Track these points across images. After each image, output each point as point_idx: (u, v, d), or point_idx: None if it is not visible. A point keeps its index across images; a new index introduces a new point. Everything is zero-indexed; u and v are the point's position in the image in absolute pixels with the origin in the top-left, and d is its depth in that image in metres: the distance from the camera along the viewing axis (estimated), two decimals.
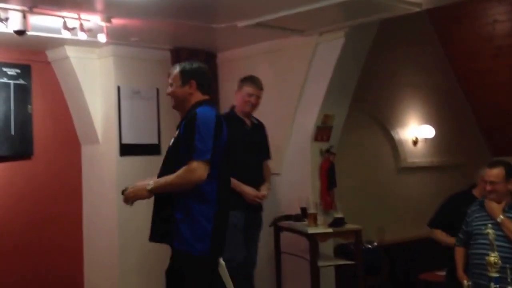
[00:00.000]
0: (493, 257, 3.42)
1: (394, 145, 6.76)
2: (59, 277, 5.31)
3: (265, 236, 4.80)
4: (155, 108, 5.39)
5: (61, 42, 4.94)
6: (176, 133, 3.30)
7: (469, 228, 4.00)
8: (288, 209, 5.03)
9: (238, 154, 4.37)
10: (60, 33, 4.20)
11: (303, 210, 4.83)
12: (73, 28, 4.18)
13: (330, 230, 4.63)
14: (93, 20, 4.22)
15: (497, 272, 3.41)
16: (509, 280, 3.32)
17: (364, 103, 6.08)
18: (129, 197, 3.28)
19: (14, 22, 3.95)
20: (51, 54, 5.29)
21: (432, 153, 7.20)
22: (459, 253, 4.09)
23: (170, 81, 3.39)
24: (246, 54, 5.51)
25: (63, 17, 4.12)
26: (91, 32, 4.27)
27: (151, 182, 3.21)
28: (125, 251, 5.16)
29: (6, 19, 3.94)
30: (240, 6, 4.17)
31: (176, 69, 3.38)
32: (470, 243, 3.98)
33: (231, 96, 5.21)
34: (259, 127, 4.73)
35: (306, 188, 5.08)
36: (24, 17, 3.94)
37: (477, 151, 7.64)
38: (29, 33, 4.06)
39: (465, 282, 3.74)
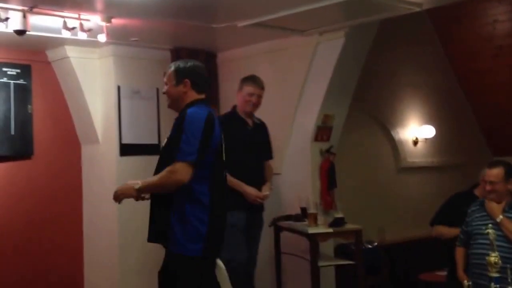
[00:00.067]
0: (493, 257, 3.42)
1: (394, 145, 6.76)
2: (59, 277, 5.31)
3: (265, 236, 4.79)
4: (155, 108, 5.39)
5: (61, 42, 4.94)
6: (169, 133, 3.30)
7: (469, 228, 4.00)
8: (288, 209, 5.03)
9: (239, 154, 4.38)
10: (60, 33, 4.20)
11: (303, 210, 4.83)
12: (73, 28, 4.18)
13: (330, 230, 4.63)
14: (93, 20, 4.22)
15: (497, 272, 3.41)
16: (509, 280, 3.32)
17: (364, 103, 6.08)
18: (117, 195, 3.28)
19: (14, 22, 3.95)
20: (51, 54, 5.29)
21: (432, 153, 7.20)
22: (459, 253, 4.09)
23: (165, 80, 3.38)
24: (246, 54, 5.51)
25: (63, 17, 4.12)
26: (91, 32, 4.26)
27: (139, 181, 3.20)
28: (125, 251, 5.16)
29: (6, 19, 3.94)
30: (240, 6, 4.17)
31: (171, 68, 3.37)
32: (470, 243, 3.98)
33: (231, 96, 5.22)
34: (261, 127, 4.72)
35: (306, 188, 5.08)
36: (24, 17, 3.94)
37: (477, 151, 7.63)
38: (29, 33, 4.06)
39: (465, 282, 3.74)
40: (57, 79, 5.39)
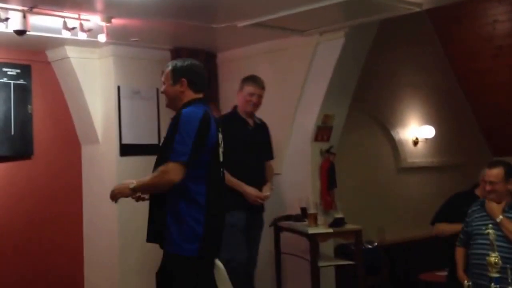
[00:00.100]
0: (493, 257, 3.42)
1: (394, 145, 6.76)
2: (59, 277, 5.31)
3: (265, 236, 4.79)
4: (155, 108, 5.39)
5: (61, 42, 4.94)
6: (166, 132, 3.29)
7: (469, 228, 4.00)
8: (288, 209, 5.04)
9: (240, 154, 4.38)
10: (60, 33, 4.20)
11: (303, 210, 4.83)
12: (73, 28, 4.17)
13: (330, 230, 4.63)
14: (93, 20, 4.22)
15: (497, 272, 3.41)
16: (509, 280, 3.32)
17: (364, 103, 6.08)
18: (114, 195, 3.28)
19: (14, 22, 3.95)
20: (51, 54, 5.29)
21: (432, 153, 7.20)
22: (459, 253, 4.09)
23: (162, 79, 3.37)
24: (246, 54, 5.51)
25: (63, 17, 4.11)
26: (91, 32, 4.26)
27: (134, 181, 3.20)
28: (125, 251, 5.16)
29: (6, 19, 3.94)
30: (240, 6, 4.17)
31: (169, 67, 3.35)
32: (470, 243, 3.98)
33: (231, 96, 5.22)
34: (262, 127, 4.72)
35: (306, 188, 5.08)
36: (24, 17, 3.94)
37: (477, 151, 7.64)
38: (29, 33, 4.06)
39: (466, 283, 3.74)
40: (57, 79, 5.39)
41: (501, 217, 3.80)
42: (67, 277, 5.38)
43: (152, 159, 3.30)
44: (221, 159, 3.31)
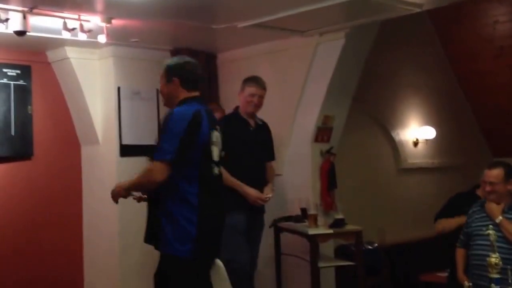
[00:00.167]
0: (493, 258, 3.41)
1: (395, 146, 6.75)
2: (59, 278, 5.30)
3: (265, 237, 4.79)
4: (155, 109, 5.39)
5: (61, 43, 4.94)
6: None
7: (469, 229, 3.99)
8: (289, 210, 5.03)
9: (241, 155, 4.39)
10: (60, 33, 4.20)
11: (303, 211, 4.83)
12: (73, 29, 4.18)
13: (330, 231, 4.62)
14: (93, 20, 4.22)
15: (497, 273, 3.40)
16: (509, 281, 3.32)
17: (364, 104, 6.07)
18: (113, 195, 3.29)
19: (14, 23, 3.95)
20: (51, 55, 5.29)
21: (432, 154, 7.20)
22: (460, 254, 4.08)
23: (160, 78, 3.37)
24: (246, 55, 5.51)
25: (63, 17, 4.11)
26: (91, 32, 4.27)
27: (127, 181, 3.21)
28: (126, 253, 5.15)
29: (6, 20, 3.94)
30: (240, 7, 4.17)
31: (164, 66, 3.35)
32: (469, 244, 3.97)
33: (231, 97, 5.22)
34: (263, 128, 4.73)
35: (307, 189, 5.07)
36: (24, 17, 3.94)
37: (477, 152, 7.63)
38: (29, 33, 4.06)
39: (466, 283, 3.74)
40: (57, 80, 5.39)
41: (500, 218, 3.80)
42: (67, 278, 5.38)
43: None
44: (215, 158, 3.26)
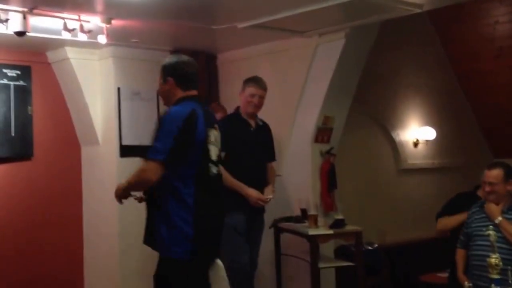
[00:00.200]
0: (494, 259, 3.42)
1: (395, 147, 6.74)
2: (59, 279, 5.30)
3: (266, 237, 4.79)
4: (155, 109, 5.38)
5: (61, 43, 4.94)
6: None
7: (468, 229, 3.99)
8: (289, 211, 5.03)
9: (241, 155, 4.39)
10: (60, 34, 4.20)
11: (304, 211, 4.82)
12: (73, 29, 4.18)
13: (330, 231, 4.62)
14: (93, 21, 4.22)
15: (498, 273, 3.40)
16: (510, 282, 3.32)
17: (364, 104, 6.07)
18: (115, 196, 3.27)
19: (15, 23, 3.95)
20: (51, 55, 5.29)
21: (433, 154, 7.19)
22: (460, 254, 4.08)
23: (158, 78, 3.37)
24: (246, 55, 5.51)
25: (63, 18, 4.12)
26: (91, 33, 4.27)
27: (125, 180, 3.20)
28: (126, 253, 5.15)
29: (6, 20, 3.94)
30: (240, 7, 4.16)
31: (161, 66, 3.35)
32: (469, 245, 3.97)
33: (231, 97, 5.22)
34: (264, 128, 4.72)
35: (307, 190, 5.07)
36: (24, 18, 3.94)
37: (478, 152, 7.62)
38: (29, 34, 4.06)
39: (466, 284, 3.74)
40: (57, 80, 5.39)
41: (500, 218, 3.79)
42: (67, 278, 5.38)
43: None
44: (213, 157, 3.22)
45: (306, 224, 4.72)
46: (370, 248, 5.83)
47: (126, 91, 5.24)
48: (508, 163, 4.01)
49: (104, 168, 5.27)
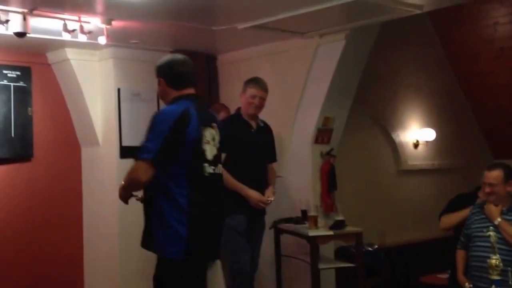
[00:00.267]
0: (494, 260, 3.42)
1: (395, 148, 6.74)
2: (59, 279, 5.30)
3: (266, 238, 4.78)
4: (156, 110, 5.38)
5: (61, 44, 4.94)
6: None
7: (468, 230, 3.99)
8: (289, 212, 5.02)
9: (242, 156, 4.39)
10: (60, 35, 4.20)
11: (304, 212, 4.82)
12: (73, 30, 4.17)
13: (330, 232, 4.62)
14: (93, 22, 4.22)
15: (498, 275, 3.40)
16: (510, 283, 3.32)
17: (365, 105, 6.07)
18: (119, 197, 3.27)
19: (15, 24, 3.95)
20: (51, 56, 5.29)
21: (433, 155, 7.19)
22: (460, 255, 4.08)
23: None
24: (246, 56, 5.51)
25: (63, 19, 4.11)
26: (91, 34, 4.26)
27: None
28: (126, 255, 5.14)
29: (7, 21, 3.94)
30: (240, 8, 4.16)
31: None
32: (469, 246, 3.97)
33: (231, 98, 5.22)
34: (265, 130, 4.72)
35: (307, 191, 5.07)
36: (25, 19, 3.94)
37: (478, 153, 7.62)
38: (29, 35, 4.06)
39: (466, 285, 3.75)
40: (57, 81, 5.39)
41: (499, 219, 3.79)
42: (67, 279, 5.37)
43: None
44: (208, 157, 3.18)
45: (306, 225, 4.72)
46: (370, 249, 5.83)
47: (126, 92, 5.24)
48: (509, 164, 4.01)
49: (104, 169, 5.27)
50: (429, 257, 5.69)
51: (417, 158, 7.00)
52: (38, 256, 5.20)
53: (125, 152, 5.18)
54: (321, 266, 4.63)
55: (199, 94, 3.35)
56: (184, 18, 4.33)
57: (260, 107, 4.58)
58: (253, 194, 4.43)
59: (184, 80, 3.25)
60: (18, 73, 5.09)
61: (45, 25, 4.22)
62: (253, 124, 4.62)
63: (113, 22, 4.27)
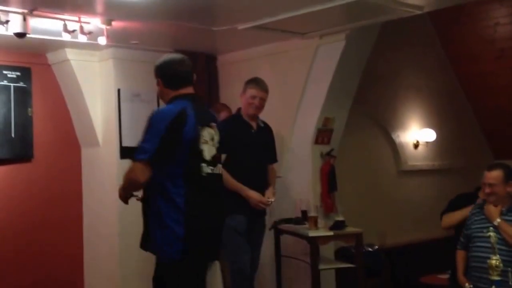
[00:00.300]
0: (494, 260, 3.41)
1: (395, 148, 6.74)
2: (59, 280, 5.29)
3: (266, 239, 4.78)
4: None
5: (62, 45, 4.93)
6: None
7: (468, 231, 3.99)
8: (289, 212, 5.02)
9: (242, 157, 4.39)
10: (60, 35, 4.20)
11: (304, 213, 4.82)
12: (74, 31, 4.17)
13: (330, 233, 4.61)
14: (94, 22, 4.22)
15: (498, 275, 3.40)
16: (510, 283, 3.31)
17: (365, 105, 6.07)
18: (119, 198, 3.26)
19: (15, 25, 3.95)
20: (51, 57, 5.29)
21: (433, 156, 7.19)
22: (460, 256, 4.08)
23: None
24: (246, 57, 5.51)
25: (63, 19, 4.11)
26: (92, 34, 4.27)
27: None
28: (126, 255, 5.14)
29: (7, 22, 3.94)
30: (240, 9, 4.16)
31: None
32: (469, 246, 3.97)
33: (231, 99, 5.22)
34: (265, 130, 4.72)
35: (307, 191, 5.07)
36: (25, 19, 3.94)
37: (478, 154, 7.62)
38: (29, 35, 4.06)
39: (467, 286, 3.74)
40: (57, 82, 5.39)
41: (498, 220, 3.79)
42: (67, 280, 5.37)
43: None
44: (207, 157, 3.17)
45: (306, 225, 4.72)
46: (370, 249, 5.83)
47: (126, 92, 5.24)
48: (509, 164, 4.00)
49: (104, 169, 5.27)
50: (429, 257, 5.69)
51: (417, 158, 7.00)
52: (38, 256, 5.20)
53: (125, 152, 5.18)
54: (321, 266, 4.62)
55: (199, 94, 3.35)
56: (184, 18, 4.33)
57: (260, 107, 4.58)
58: (253, 194, 4.43)
59: (181, 80, 3.24)
60: (18, 73, 5.10)
61: (45, 26, 4.22)
62: (254, 124, 4.62)
63: (113, 23, 4.27)
